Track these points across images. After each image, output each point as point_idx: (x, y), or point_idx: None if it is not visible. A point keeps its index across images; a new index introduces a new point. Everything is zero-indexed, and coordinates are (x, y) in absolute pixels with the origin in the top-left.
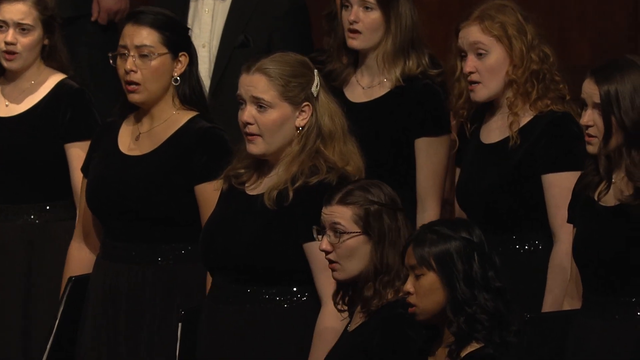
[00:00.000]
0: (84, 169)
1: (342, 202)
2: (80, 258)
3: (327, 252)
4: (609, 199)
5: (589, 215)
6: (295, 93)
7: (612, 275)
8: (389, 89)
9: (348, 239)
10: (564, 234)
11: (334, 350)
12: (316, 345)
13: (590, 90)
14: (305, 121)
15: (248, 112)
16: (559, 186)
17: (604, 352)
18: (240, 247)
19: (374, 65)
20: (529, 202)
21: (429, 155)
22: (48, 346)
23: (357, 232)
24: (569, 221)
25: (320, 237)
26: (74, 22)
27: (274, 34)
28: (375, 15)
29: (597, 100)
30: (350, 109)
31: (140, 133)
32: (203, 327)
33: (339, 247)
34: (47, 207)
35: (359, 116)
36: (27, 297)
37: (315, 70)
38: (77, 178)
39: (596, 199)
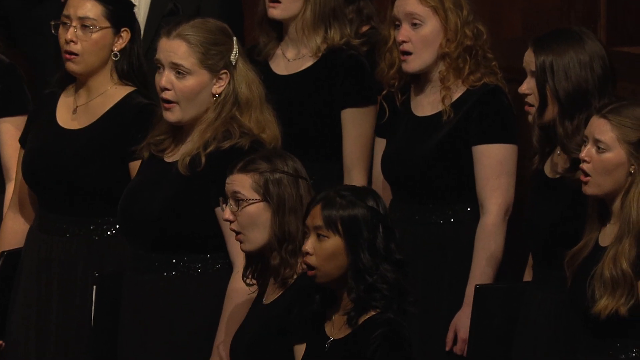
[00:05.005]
0: (22, 140)
1: (243, 170)
2: (14, 229)
3: (230, 222)
4: (552, 171)
5: (535, 187)
6: (214, 61)
7: (550, 247)
8: (314, 61)
9: (247, 206)
10: (492, 206)
11: (247, 323)
12: (227, 307)
13: (529, 58)
14: (222, 89)
15: (166, 78)
16: (489, 157)
17: (543, 323)
18: (153, 214)
19: (296, 36)
20: (461, 174)
21: (355, 126)
22: None
23: (256, 199)
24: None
25: (224, 206)
26: (42, 3)
27: (203, 2)
28: None
29: (534, 68)
30: (277, 82)
31: (77, 106)
32: (124, 296)
33: (240, 216)
34: None
35: (285, 88)
36: None
37: (235, 38)
38: (7, 153)
39: (544, 171)
